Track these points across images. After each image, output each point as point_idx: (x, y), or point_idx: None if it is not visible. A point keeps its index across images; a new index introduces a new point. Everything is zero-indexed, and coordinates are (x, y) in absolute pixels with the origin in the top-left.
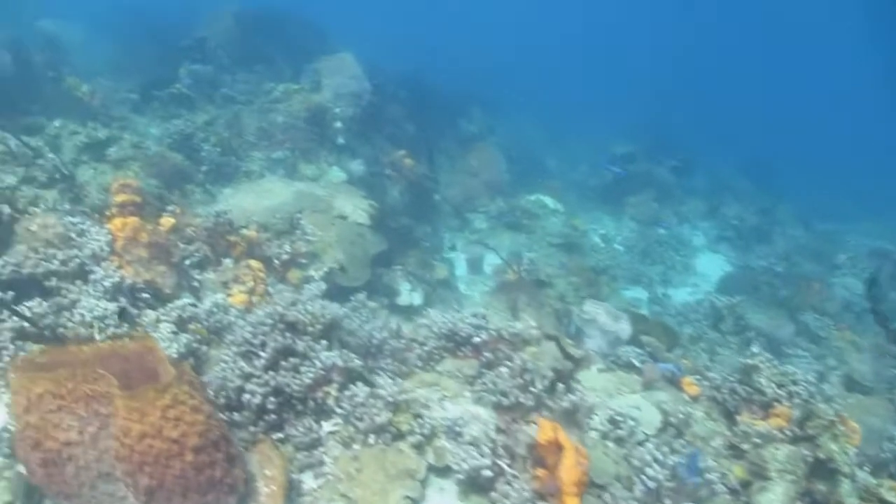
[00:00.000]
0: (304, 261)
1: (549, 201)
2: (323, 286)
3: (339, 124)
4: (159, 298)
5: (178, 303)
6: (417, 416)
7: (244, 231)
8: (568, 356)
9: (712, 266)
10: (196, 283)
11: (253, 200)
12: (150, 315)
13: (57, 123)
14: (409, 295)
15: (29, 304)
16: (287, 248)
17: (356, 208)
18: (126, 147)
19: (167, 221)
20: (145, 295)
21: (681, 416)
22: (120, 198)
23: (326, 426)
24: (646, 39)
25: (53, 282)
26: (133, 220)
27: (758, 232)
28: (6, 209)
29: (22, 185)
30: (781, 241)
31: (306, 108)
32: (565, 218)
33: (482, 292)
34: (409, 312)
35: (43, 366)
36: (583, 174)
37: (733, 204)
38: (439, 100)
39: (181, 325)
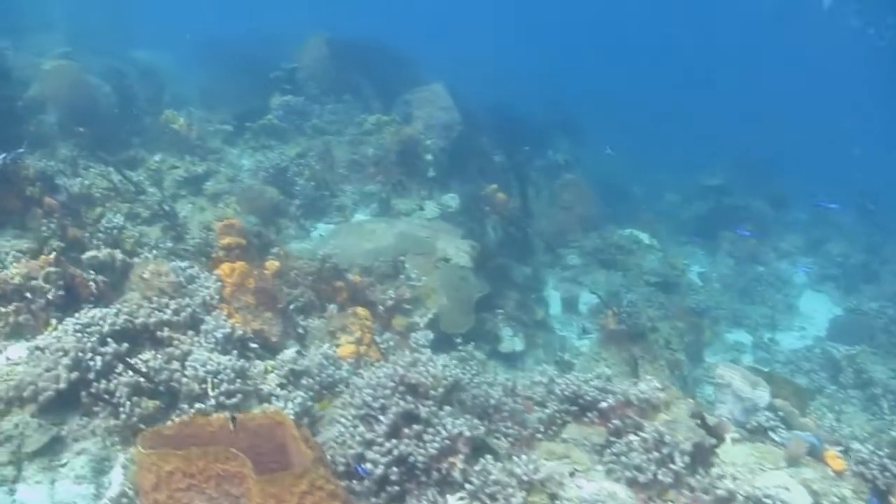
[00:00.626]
0: (408, 306)
1: (643, 236)
2: (430, 335)
3: (430, 156)
4: (267, 348)
5: (288, 355)
6: (553, 496)
7: (349, 276)
8: (705, 425)
9: (817, 307)
10: (301, 331)
11: (354, 242)
12: (259, 366)
13: (157, 158)
14: (510, 341)
15: (143, 356)
16: (391, 293)
17: (458, 250)
18: (222, 181)
19: (272, 265)
20: (254, 345)
21: (835, 499)
22: (225, 240)
23: (452, 500)
24: (733, 62)
25: (165, 332)
26: (240, 266)
27: (865, 270)
28: (119, 255)
29: (127, 221)
30: (892, 280)
31: (398, 141)
32: (661, 255)
33: (587, 340)
34: (511, 359)
35: (170, 439)
36: (670, 204)
37: (837, 240)
38: (525, 129)
39: (293, 379)
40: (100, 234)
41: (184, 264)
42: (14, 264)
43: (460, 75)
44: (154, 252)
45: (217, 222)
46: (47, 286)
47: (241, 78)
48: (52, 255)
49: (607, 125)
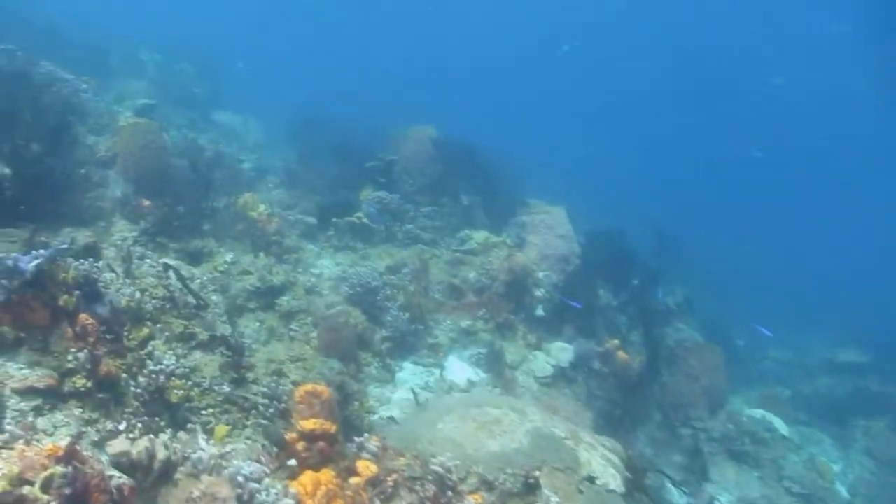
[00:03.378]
0: None
1: (778, 424)
2: None
3: (540, 292)
4: None
5: None
6: None
7: (469, 498)
8: None
9: None
10: None
11: (471, 433)
12: None
13: (229, 258)
14: None
15: None
16: None
17: (606, 464)
18: (300, 294)
19: (366, 469)
20: None
21: None
22: (308, 423)
23: None
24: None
25: None
26: (326, 479)
27: None
28: (161, 452)
29: (179, 344)
30: None
31: (508, 269)
32: (805, 455)
33: None
34: None
35: None
36: (778, 367)
37: None
38: (634, 261)
39: None
40: (141, 380)
41: (247, 469)
42: (2, 456)
43: (574, 200)
44: (205, 399)
45: (296, 389)
46: (45, 499)
47: (332, 161)
48: (65, 444)
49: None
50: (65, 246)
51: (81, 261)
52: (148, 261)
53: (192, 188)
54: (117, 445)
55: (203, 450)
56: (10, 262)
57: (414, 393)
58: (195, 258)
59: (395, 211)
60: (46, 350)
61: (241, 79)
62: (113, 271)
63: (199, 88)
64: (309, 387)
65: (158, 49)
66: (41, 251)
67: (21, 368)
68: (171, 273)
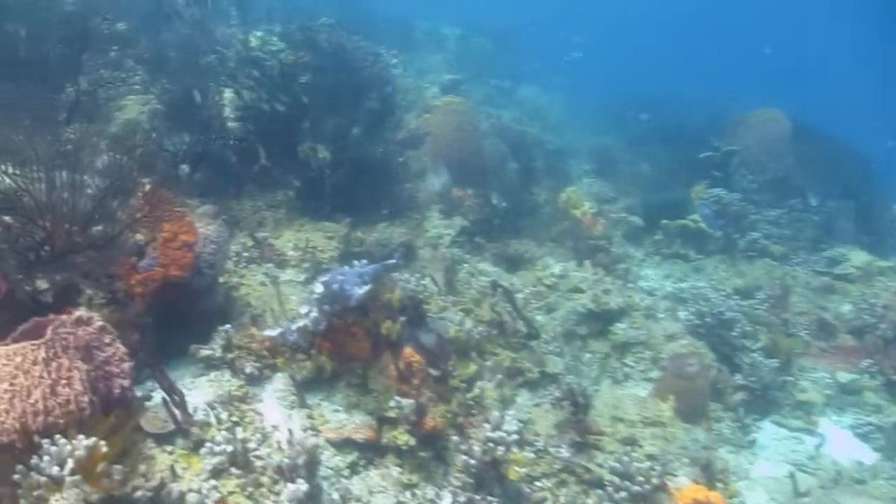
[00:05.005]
0: None
1: None
2: None
3: None
4: None
5: None
6: None
7: None
8: None
9: None
10: None
11: None
12: None
13: (557, 270)
14: None
15: None
16: None
17: None
18: (638, 321)
19: None
20: None
21: None
22: None
23: None
24: None
25: None
26: None
27: None
28: None
29: (507, 383)
30: None
31: None
32: None
33: None
34: None
35: None
36: None
37: None
38: None
39: None
40: (475, 448)
41: None
42: None
43: None
44: (539, 465)
45: (677, 493)
46: None
47: (655, 149)
48: None
49: None
50: (393, 261)
51: (407, 277)
52: (466, 266)
53: (510, 178)
54: None
55: None
56: (335, 287)
57: (792, 477)
58: (513, 264)
59: (736, 214)
60: (364, 387)
61: (542, 56)
62: (435, 284)
63: (498, 63)
64: (699, 494)
65: (458, 22)
66: (367, 268)
67: (337, 411)
68: (499, 291)
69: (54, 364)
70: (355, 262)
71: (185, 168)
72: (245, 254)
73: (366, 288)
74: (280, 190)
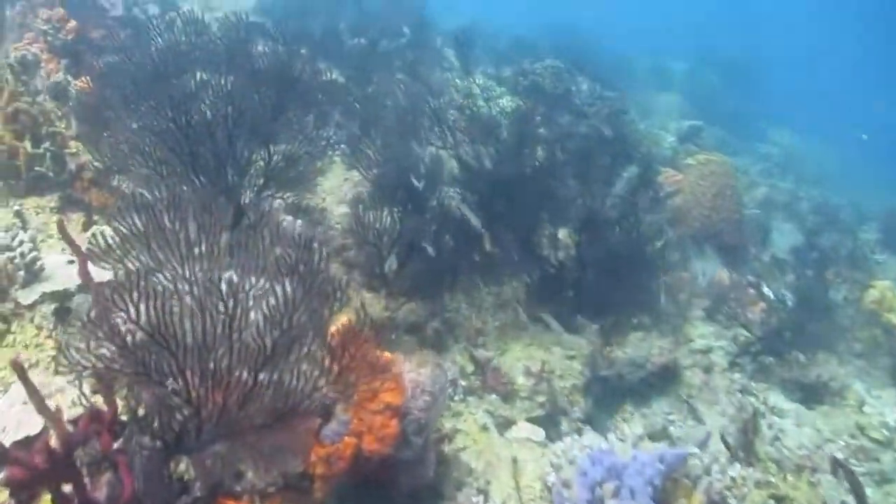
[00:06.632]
0: None
1: None
2: None
3: None
4: None
5: None
6: None
7: None
8: None
9: None
10: None
11: None
12: None
13: (892, 419)
14: None
15: None
16: None
17: None
18: None
19: None
20: None
21: None
22: None
23: None
24: None
25: None
26: None
27: None
28: None
29: None
30: None
31: None
32: None
33: None
34: None
35: None
36: None
37: None
38: None
39: None
40: None
41: None
42: None
43: None
44: None
45: None
46: None
47: None
48: None
49: None
50: (694, 449)
51: (708, 463)
52: (752, 400)
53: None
54: None
55: None
56: (610, 484)
57: None
58: (811, 396)
59: None
60: None
61: (788, 90)
62: (726, 444)
63: (733, 101)
64: None
65: (683, 56)
66: (666, 452)
67: None
68: (840, 472)
69: None
70: (635, 452)
71: (392, 261)
72: (462, 382)
73: (659, 479)
74: (506, 285)
